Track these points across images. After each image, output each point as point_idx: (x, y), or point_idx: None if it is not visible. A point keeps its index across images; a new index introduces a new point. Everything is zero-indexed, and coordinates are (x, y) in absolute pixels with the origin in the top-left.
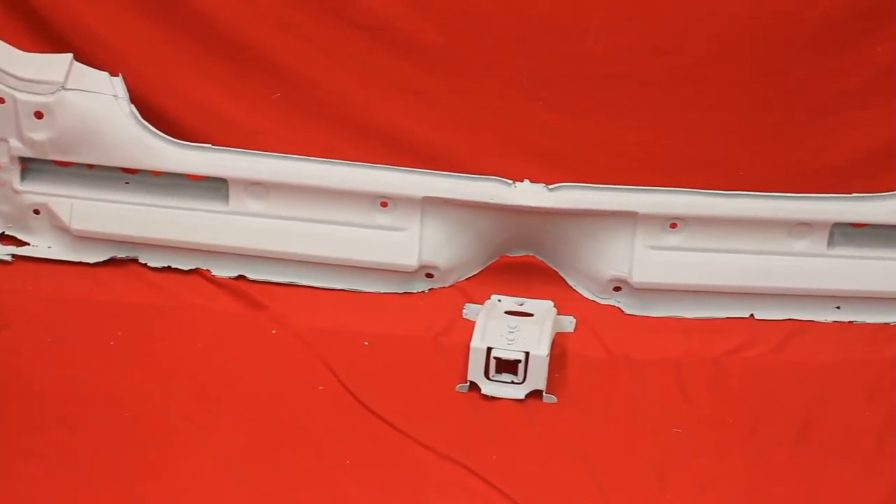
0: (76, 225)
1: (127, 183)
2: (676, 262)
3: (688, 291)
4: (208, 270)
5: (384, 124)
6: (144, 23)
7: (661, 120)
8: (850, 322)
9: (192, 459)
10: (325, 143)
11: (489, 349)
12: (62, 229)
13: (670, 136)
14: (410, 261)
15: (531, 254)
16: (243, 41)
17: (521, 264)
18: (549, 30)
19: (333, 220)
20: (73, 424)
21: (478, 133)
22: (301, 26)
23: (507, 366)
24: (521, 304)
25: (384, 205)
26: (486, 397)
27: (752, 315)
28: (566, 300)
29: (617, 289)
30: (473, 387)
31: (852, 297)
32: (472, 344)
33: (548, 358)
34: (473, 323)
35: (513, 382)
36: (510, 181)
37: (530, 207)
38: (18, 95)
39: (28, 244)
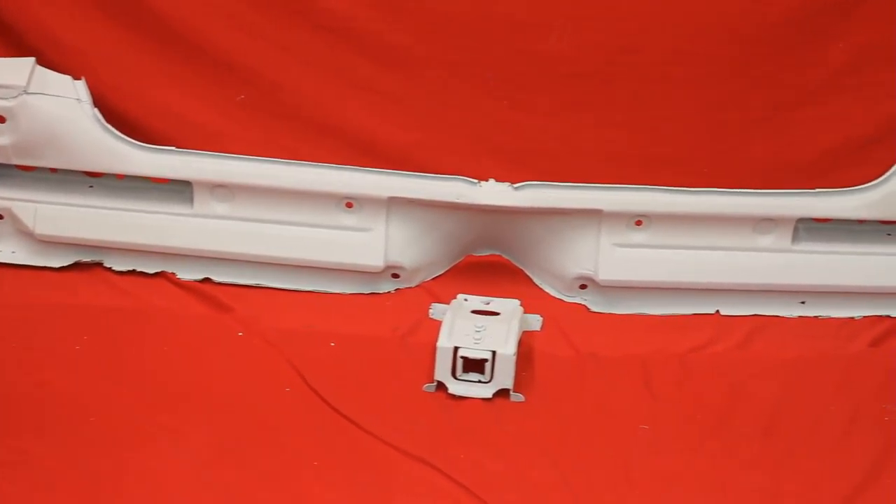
0: (40, 229)
1: (91, 186)
2: (642, 259)
3: (653, 288)
4: (174, 273)
5: (349, 125)
6: (107, 26)
7: (626, 118)
8: (815, 317)
9: (159, 463)
10: (289, 145)
11: (456, 348)
12: (26, 234)
13: (634, 134)
14: (376, 261)
15: (497, 253)
16: (207, 44)
17: (487, 263)
18: (514, 29)
19: (299, 222)
20: (40, 430)
21: (443, 133)
22: (264, 28)
23: (474, 365)
24: (488, 304)
25: (349, 205)
26: (453, 397)
27: (717, 311)
28: (532, 299)
29: (583, 287)
30: (440, 386)
31: (817, 292)
32: (438, 343)
33: (515, 357)
34: (440, 323)
35: (480, 381)
36: (475, 181)
37: (496, 207)
38: None
39: None
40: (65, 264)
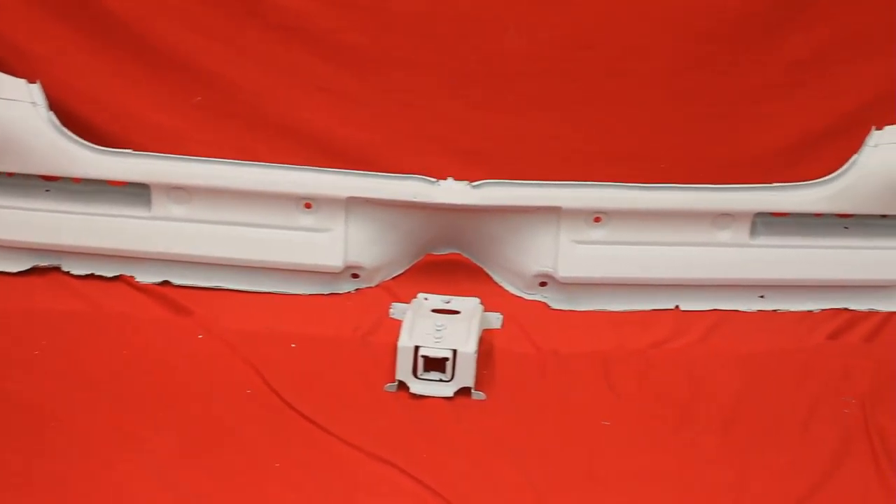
0: None
1: (48, 191)
2: (601, 255)
3: (613, 285)
4: (132, 277)
5: (306, 125)
6: (61, 29)
7: (583, 115)
8: (774, 311)
9: (120, 467)
10: (247, 146)
11: (417, 348)
12: None
13: (592, 131)
14: (336, 261)
15: (456, 251)
16: (163, 46)
17: (446, 262)
18: (469, 27)
19: (257, 223)
20: None
21: (400, 132)
22: (220, 29)
23: (435, 364)
24: (448, 302)
25: (308, 206)
26: (414, 396)
27: (677, 306)
28: (492, 297)
29: (543, 284)
30: (402, 386)
31: (775, 286)
32: (399, 343)
33: (475, 355)
34: (400, 322)
35: (441, 380)
36: (434, 179)
37: (454, 205)
38: None
39: None
40: (22, 269)
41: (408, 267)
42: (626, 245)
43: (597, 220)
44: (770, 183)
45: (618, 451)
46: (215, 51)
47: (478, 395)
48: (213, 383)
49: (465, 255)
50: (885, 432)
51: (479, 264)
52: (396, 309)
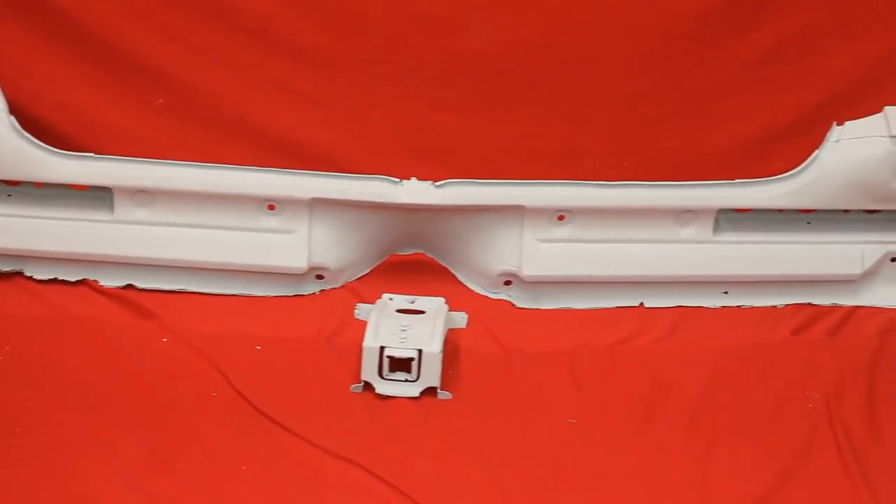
0: None
1: (9, 195)
2: (565, 254)
3: (578, 283)
4: (96, 281)
5: (269, 127)
6: (22, 32)
7: (545, 113)
8: (738, 306)
9: (86, 472)
10: (209, 148)
11: (382, 348)
12: None
13: (555, 129)
14: (300, 263)
15: (421, 251)
16: (124, 49)
17: (411, 262)
18: (431, 27)
19: (221, 225)
20: None
21: (363, 132)
22: (181, 32)
23: (401, 364)
24: (413, 302)
25: (271, 207)
26: (380, 396)
27: (641, 303)
28: (457, 296)
29: (507, 283)
30: (368, 386)
31: (739, 282)
32: (364, 343)
33: (441, 354)
34: (365, 323)
35: (407, 380)
36: (397, 180)
37: (418, 205)
38: None
39: None
40: None
41: (372, 267)
42: (590, 243)
43: (561, 218)
44: (732, 179)
45: (584, 448)
46: (177, 53)
47: (444, 395)
48: (179, 386)
49: (429, 254)
50: (850, 426)
51: (443, 264)
52: (361, 310)
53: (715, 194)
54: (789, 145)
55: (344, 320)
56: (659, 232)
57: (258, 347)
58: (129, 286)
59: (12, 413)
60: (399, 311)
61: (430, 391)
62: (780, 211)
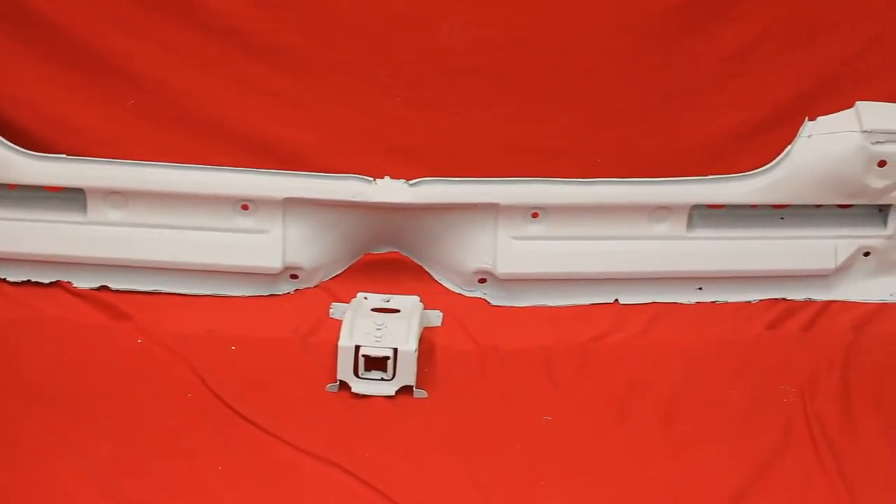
0: None
1: None
2: (540, 251)
3: (552, 280)
4: (69, 282)
5: (242, 127)
6: None
7: (519, 111)
8: (713, 302)
9: (61, 474)
10: (182, 149)
11: (357, 347)
12: None
13: (528, 127)
14: (274, 262)
15: (395, 250)
16: (96, 50)
17: (385, 261)
18: (404, 26)
19: (195, 226)
20: None
21: (337, 132)
22: (153, 32)
23: (376, 363)
24: (388, 301)
25: (245, 207)
26: (356, 395)
27: (616, 300)
28: (432, 294)
29: (482, 280)
30: (343, 386)
31: (713, 278)
32: (339, 343)
33: (416, 353)
34: (340, 322)
35: (382, 379)
36: (371, 178)
37: (392, 204)
38: None
39: None
40: None
41: (347, 266)
42: (565, 240)
43: (535, 215)
44: (706, 175)
45: (560, 445)
46: (150, 54)
47: (420, 394)
48: (153, 388)
49: (404, 253)
50: (825, 420)
51: (418, 262)
52: (336, 309)
53: (688, 190)
54: (762, 141)
55: (319, 320)
56: (633, 228)
57: (233, 348)
58: (103, 287)
59: None
60: (374, 309)
61: (405, 390)
62: (754, 207)
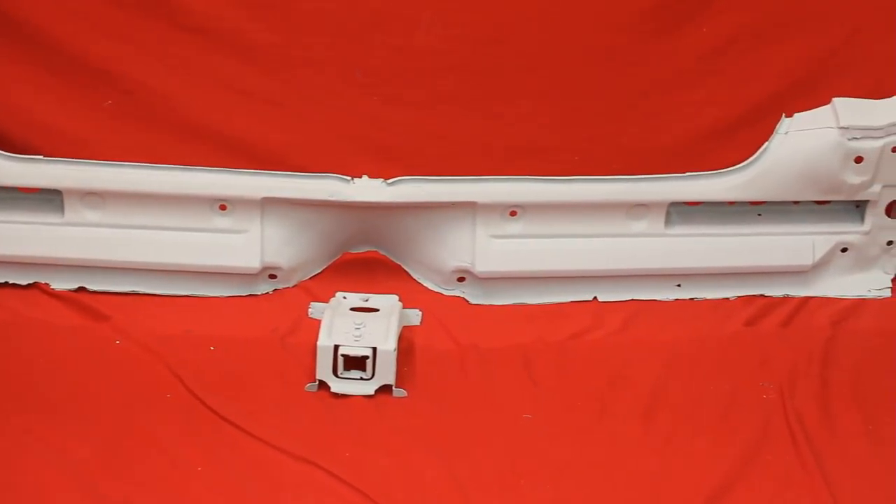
0: None
1: None
2: (518, 249)
3: (531, 278)
4: (47, 284)
5: (219, 127)
6: None
7: (496, 109)
8: (691, 299)
9: (40, 476)
10: (159, 149)
11: (336, 347)
12: None
13: (505, 125)
14: (253, 262)
15: (374, 249)
16: (71, 50)
17: (364, 260)
18: (381, 24)
19: (172, 226)
20: None
21: (314, 131)
22: (130, 32)
23: (356, 362)
24: (367, 300)
25: (223, 208)
26: (336, 395)
27: (595, 298)
28: (411, 293)
29: (461, 279)
30: (323, 385)
31: (691, 275)
32: (318, 342)
33: (395, 352)
34: (319, 322)
35: (362, 379)
36: (349, 178)
37: (370, 203)
38: None
39: None
40: None
41: (325, 266)
42: (543, 238)
43: (513, 213)
44: (683, 172)
45: (540, 443)
46: (126, 54)
47: (399, 393)
48: (132, 389)
49: (382, 252)
50: (804, 416)
51: (396, 261)
52: (315, 308)
53: (666, 188)
54: (739, 138)
55: (298, 319)
56: (611, 226)
57: (212, 348)
58: (81, 289)
59: None
60: (353, 309)
61: (385, 389)
62: (732, 203)
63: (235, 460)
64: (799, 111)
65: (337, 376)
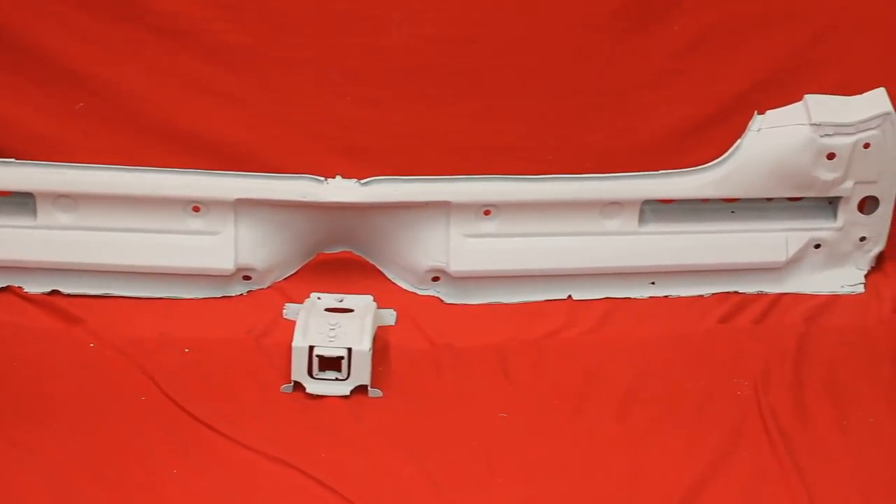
0: None
1: None
2: (492, 248)
3: (505, 277)
4: (20, 287)
5: (191, 128)
6: None
7: (469, 108)
8: (666, 297)
9: (13, 480)
10: (132, 151)
11: (311, 347)
12: None
13: (478, 124)
14: (227, 264)
15: (348, 249)
16: (42, 52)
17: (338, 261)
18: (353, 24)
19: (146, 228)
20: None
21: (287, 132)
22: (101, 34)
23: (331, 363)
24: (341, 301)
25: (196, 209)
26: (311, 396)
27: (569, 296)
28: (386, 293)
29: (435, 279)
30: (298, 386)
31: (665, 272)
32: (293, 343)
33: (370, 352)
34: (294, 322)
35: (337, 379)
36: (322, 178)
37: (343, 203)
38: None
39: None
40: None
41: (300, 267)
42: (517, 237)
43: (487, 213)
44: (657, 170)
45: (516, 442)
46: (96, 55)
47: (374, 393)
48: (107, 392)
49: (356, 252)
50: (778, 412)
51: (371, 262)
52: (289, 309)
53: (639, 186)
54: (712, 135)
55: (272, 320)
56: (585, 224)
57: (186, 350)
58: (55, 292)
59: None
60: (327, 309)
61: (360, 389)
62: (705, 201)
63: (211, 462)
64: (771, 108)
65: (312, 377)
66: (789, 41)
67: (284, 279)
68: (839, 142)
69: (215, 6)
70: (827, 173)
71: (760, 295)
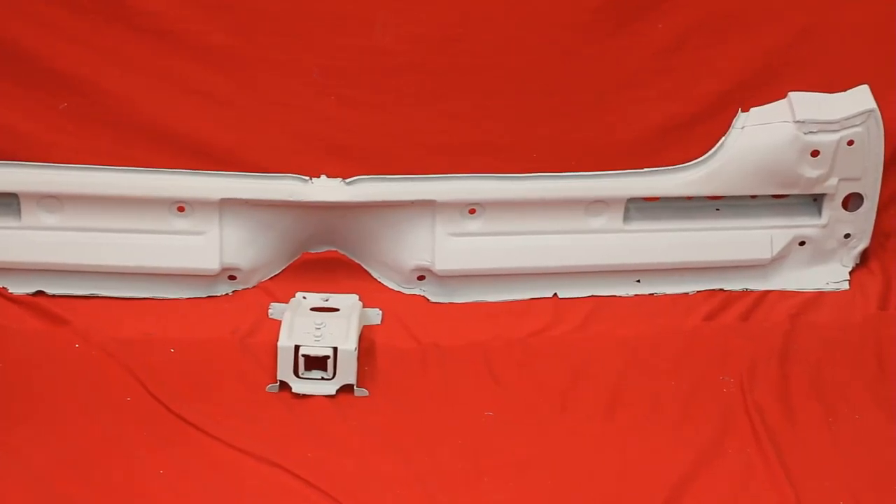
0: None
1: None
2: (478, 247)
3: (491, 275)
4: (5, 288)
5: (176, 128)
6: None
7: (454, 107)
8: (651, 294)
9: None
10: (116, 151)
11: (297, 347)
12: None
13: (463, 123)
14: (212, 264)
15: (334, 249)
16: (26, 53)
17: (324, 260)
18: (337, 24)
19: (131, 229)
20: None
21: (272, 132)
22: (84, 34)
23: (317, 362)
24: (327, 300)
25: (181, 209)
26: (297, 396)
27: (555, 294)
28: (371, 293)
29: (421, 278)
30: (284, 386)
31: (651, 270)
32: (279, 343)
33: (356, 352)
34: (280, 322)
35: (323, 379)
36: (307, 178)
37: (328, 203)
38: None
39: None
40: None
41: (285, 266)
42: (503, 236)
43: (472, 211)
44: (641, 168)
45: (502, 440)
46: (81, 55)
47: (361, 392)
48: (93, 393)
49: (342, 252)
50: (764, 409)
51: (356, 261)
52: (275, 309)
53: (624, 184)
54: (696, 133)
55: (258, 320)
56: (570, 223)
57: (172, 350)
58: (40, 293)
59: None
60: (313, 309)
61: (346, 388)
62: (690, 199)
63: (197, 462)
64: (755, 106)
65: (298, 377)
66: (772, 39)
67: (270, 279)
68: (823, 139)
69: (200, 7)
70: (811, 170)
71: (746, 292)
